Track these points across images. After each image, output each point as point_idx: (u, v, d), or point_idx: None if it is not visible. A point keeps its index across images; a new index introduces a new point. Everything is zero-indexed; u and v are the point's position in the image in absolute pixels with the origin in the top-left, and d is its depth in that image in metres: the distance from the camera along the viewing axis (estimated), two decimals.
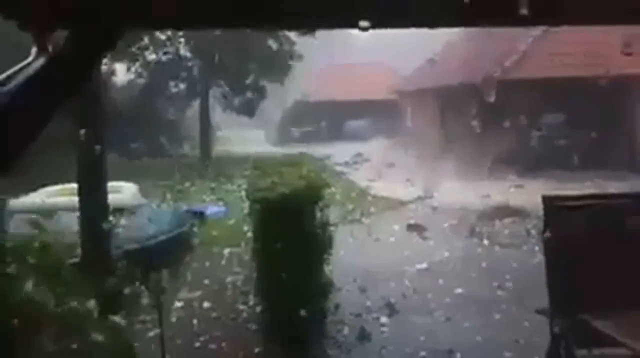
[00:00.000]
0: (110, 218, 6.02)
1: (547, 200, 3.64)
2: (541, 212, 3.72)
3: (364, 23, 2.02)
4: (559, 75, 15.75)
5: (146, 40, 18.39)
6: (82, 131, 5.10)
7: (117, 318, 4.08)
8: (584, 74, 15.39)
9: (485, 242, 8.94)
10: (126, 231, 6.70)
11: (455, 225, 9.98)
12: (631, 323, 3.16)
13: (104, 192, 5.84)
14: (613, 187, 10.34)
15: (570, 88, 15.52)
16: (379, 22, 2.26)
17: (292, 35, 18.08)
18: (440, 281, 6.94)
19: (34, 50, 2.27)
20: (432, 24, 2.28)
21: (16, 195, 7.99)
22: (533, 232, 8.25)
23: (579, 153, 15.73)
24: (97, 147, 5.75)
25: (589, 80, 15.40)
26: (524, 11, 1.79)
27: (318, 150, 21.70)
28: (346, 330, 5.54)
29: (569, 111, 16.49)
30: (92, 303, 3.70)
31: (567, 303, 3.35)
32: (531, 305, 4.72)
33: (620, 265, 3.60)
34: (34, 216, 4.52)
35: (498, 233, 9.28)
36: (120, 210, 6.81)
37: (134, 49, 18.33)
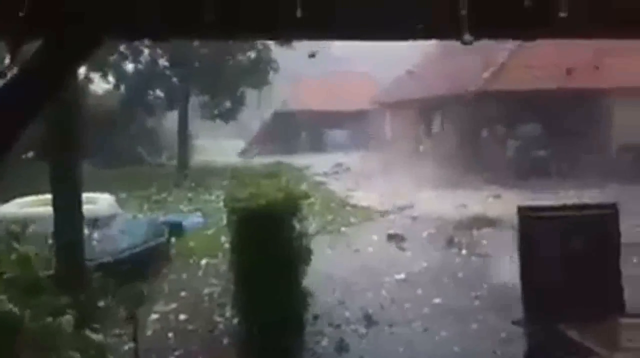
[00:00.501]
0: (85, 230, 5.93)
1: (522, 211, 3.67)
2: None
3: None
4: (535, 87, 16.01)
5: (124, 49, 18.24)
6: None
7: (91, 333, 4.00)
8: (559, 86, 15.69)
9: (463, 251, 8.99)
10: (101, 243, 6.60)
11: (433, 235, 10.03)
12: (605, 333, 3.19)
13: (78, 203, 5.74)
14: (589, 197, 10.50)
15: (547, 99, 15.78)
16: (351, 35, 2.28)
17: (271, 45, 18.08)
18: (419, 291, 6.95)
19: (7, 59, 2.23)
20: (403, 37, 2.31)
21: None
22: (510, 242, 8.31)
23: (556, 163, 15.98)
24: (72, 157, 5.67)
25: (564, 92, 15.72)
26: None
27: (297, 160, 21.68)
28: (325, 342, 5.51)
29: (545, 122, 16.74)
30: (66, 317, 3.63)
31: (542, 314, 3.38)
32: (508, 315, 4.75)
33: (595, 275, 3.64)
34: (11, 226, 4.44)
35: (476, 243, 9.34)
36: (95, 222, 6.71)
37: (112, 58, 18.17)
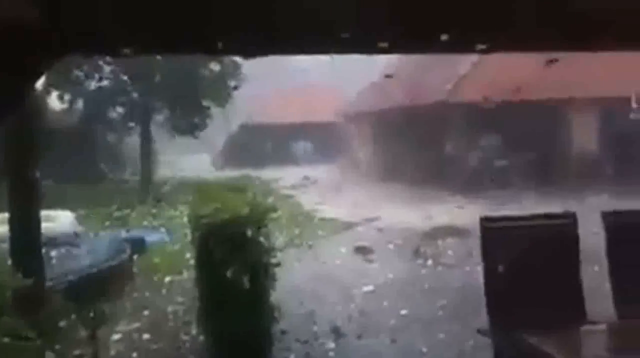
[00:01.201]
0: (44, 249, 5.76)
1: (484, 221, 3.71)
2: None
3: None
4: (497, 98, 16.35)
5: (85, 64, 17.92)
6: None
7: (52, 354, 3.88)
8: (520, 98, 16.07)
9: (429, 262, 9.07)
10: (61, 262, 6.42)
11: (400, 247, 10.10)
12: (568, 341, 3.24)
13: (37, 221, 5.58)
14: (551, 206, 10.73)
15: (508, 111, 16.13)
16: (316, 48, 2.28)
17: (237, 58, 18.01)
18: (386, 303, 6.97)
19: None
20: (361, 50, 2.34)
21: None
22: (474, 252, 8.42)
23: (518, 174, 16.32)
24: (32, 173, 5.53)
25: (525, 103, 16.11)
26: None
27: (264, 173, 21.60)
28: (293, 356, 5.46)
29: (507, 133, 17.11)
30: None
31: (506, 323, 3.41)
32: (475, 324, 4.79)
33: (557, 283, 3.70)
34: None
35: (441, 254, 9.44)
36: (54, 240, 6.54)
37: (72, 74, 17.84)
